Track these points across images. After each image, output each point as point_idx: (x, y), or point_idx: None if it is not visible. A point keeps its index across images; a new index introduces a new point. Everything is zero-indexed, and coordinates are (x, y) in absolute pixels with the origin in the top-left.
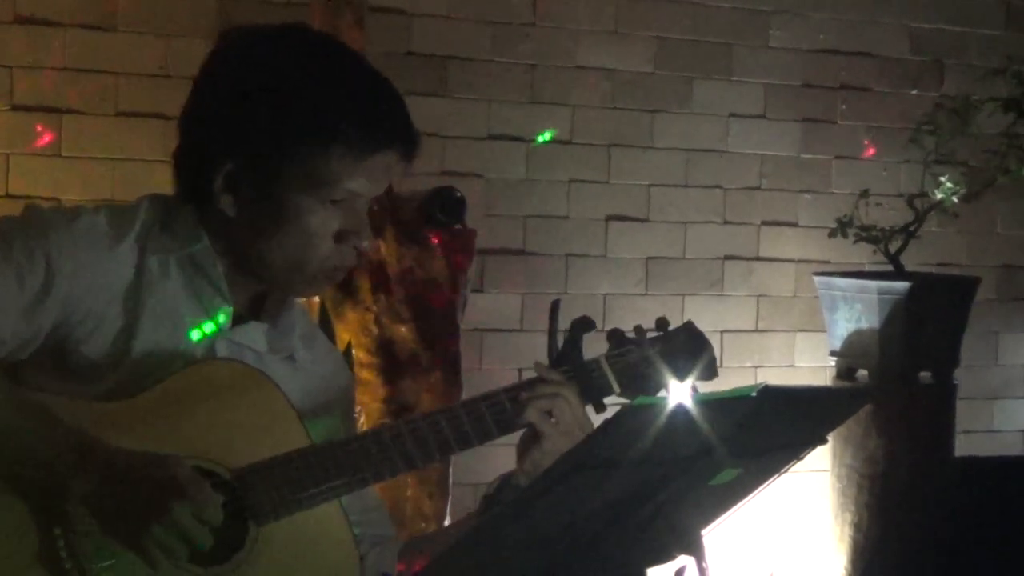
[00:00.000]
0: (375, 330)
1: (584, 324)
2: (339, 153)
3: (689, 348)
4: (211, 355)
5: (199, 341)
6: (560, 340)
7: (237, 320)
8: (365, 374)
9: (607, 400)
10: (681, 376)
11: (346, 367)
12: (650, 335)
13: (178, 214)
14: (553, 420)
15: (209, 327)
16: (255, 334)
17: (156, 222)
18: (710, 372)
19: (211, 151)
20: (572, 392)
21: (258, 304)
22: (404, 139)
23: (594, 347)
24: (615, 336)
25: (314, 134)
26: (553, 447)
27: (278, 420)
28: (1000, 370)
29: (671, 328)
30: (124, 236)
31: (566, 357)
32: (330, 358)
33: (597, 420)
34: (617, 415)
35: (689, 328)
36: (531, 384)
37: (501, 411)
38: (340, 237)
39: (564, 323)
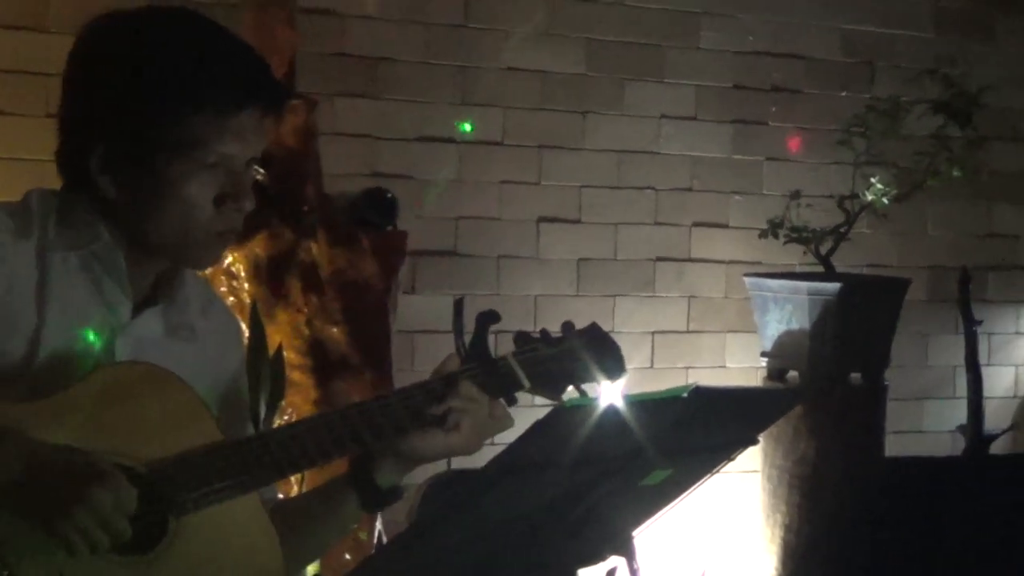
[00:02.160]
0: (306, 331)
1: (489, 317)
2: (203, 115)
3: (596, 347)
4: (111, 351)
5: (100, 338)
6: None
7: (136, 309)
8: (296, 375)
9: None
10: (588, 373)
11: (241, 333)
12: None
13: (72, 207)
14: (467, 423)
15: (110, 323)
16: (152, 320)
17: (51, 217)
18: (618, 370)
19: (84, 137)
20: (485, 403)
21: (157, 286)
22: (266, 95)
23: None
24: (521, 337)
25: (175, 99)
26: (449, 447)
27: (189, 417)
28: (929, 371)
29: (577, 329)
30: (28, 232)
31: (475, 352)
32: (228, 325)
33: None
34: (549, 416)
35: (594, 328)
36: (448, 385)
37: (416, 407)
38: (219, 201)
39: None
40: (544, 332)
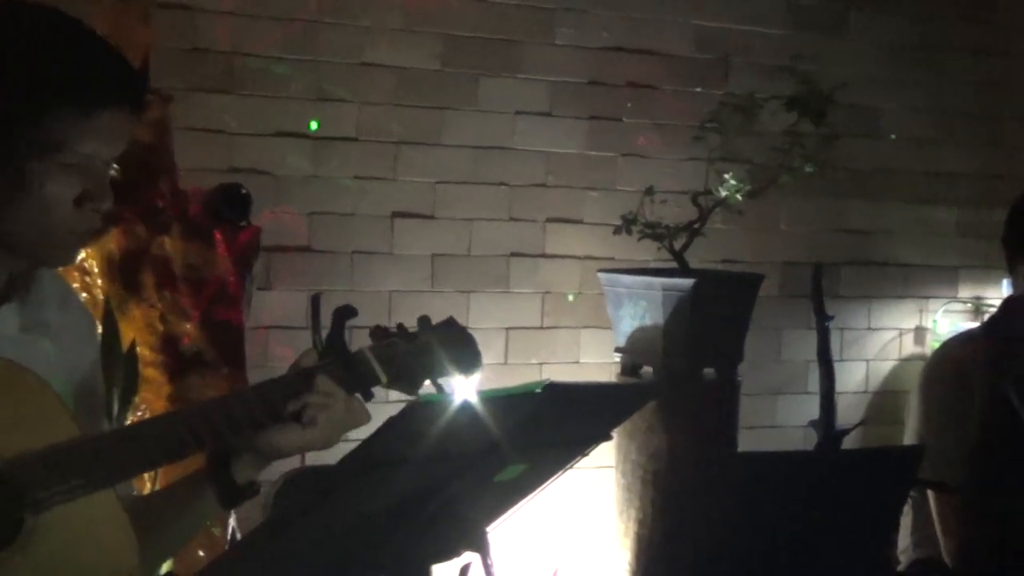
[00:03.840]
0: (160, 327)
1: (345, 312)
2: (65, 115)
3: (451, 341)
4: None
5: None
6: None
7: None
8: (150, 372)
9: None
10: (445, 368)
11: (96, 328)
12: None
13: None
14: (324, 418)
15: None
16: (7, 318)
17: None
18: (473, 364)
19: None
20: (341, 398)
21: (11, 284)
22: (130, 94)
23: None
24: (378, 331)
25: (38, 97)
26: (305, 442)
27: (45, 413)
28: (782, 366)
29: (433, 324)
30: None
31: (332, 347)
32: (84, 321)
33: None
34: (402, 412)
35: (451, 323)
36: (305, 380)
37: (272, 402)
38: (80, 201)
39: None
40: (401, 326)
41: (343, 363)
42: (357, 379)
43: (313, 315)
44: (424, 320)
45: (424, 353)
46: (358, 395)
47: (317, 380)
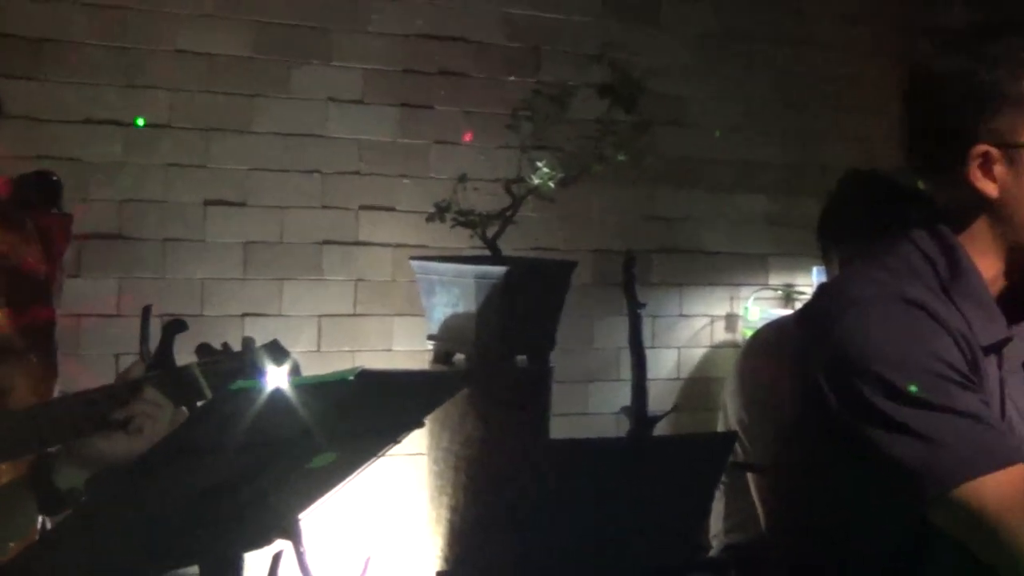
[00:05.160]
0: None
1: (176, 326)
2: None
3: (275, 362)
4: None
5: None
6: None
7: None
8: None
9: None
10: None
11: None
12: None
13: None
14: (150, 427)
15: None
16: None
17: None
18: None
19: None
20: (168, 409)
21: None
22: None
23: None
24: (204, 349)
25: None
26: (130, 451)
27: None
28: (595, 353)
29: (257, 345)
30: None
31: (160, 360)
32: None
33: None
34: (214, 399)
35: (275, 345)
36: (133, 390)
37: (99, 410)
38: None
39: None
40: (226, 345)
41: (171, 376)
42: (184, 392)
43: (143, 326)
44: (248, 341)
45: (247, 372)
46: (183, 408)
47: (145, 390)
